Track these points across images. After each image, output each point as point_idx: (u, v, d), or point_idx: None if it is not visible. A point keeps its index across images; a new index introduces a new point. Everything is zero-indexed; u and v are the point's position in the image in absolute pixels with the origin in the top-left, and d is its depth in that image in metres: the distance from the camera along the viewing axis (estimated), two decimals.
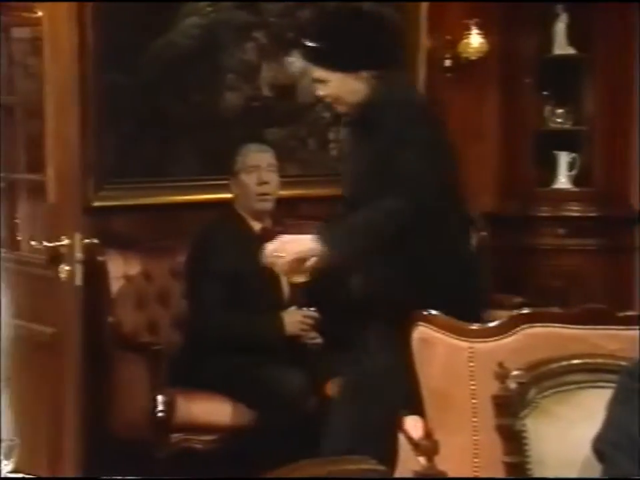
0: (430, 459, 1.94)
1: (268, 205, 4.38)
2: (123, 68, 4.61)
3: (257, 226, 4.37)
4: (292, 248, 3.17)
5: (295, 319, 4.24)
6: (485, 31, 5.44)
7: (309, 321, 4.26)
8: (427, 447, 1.93)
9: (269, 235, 4.31)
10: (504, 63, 5.62)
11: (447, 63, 5.52)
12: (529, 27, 5.59)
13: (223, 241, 4.27)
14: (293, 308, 4.29)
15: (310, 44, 3.35)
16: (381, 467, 1.75)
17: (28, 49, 4.31)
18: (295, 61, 3.33)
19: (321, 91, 3.36)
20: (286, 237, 3.25)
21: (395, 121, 3.17)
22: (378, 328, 3.26)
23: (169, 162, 4.82)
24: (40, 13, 3.69)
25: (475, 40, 5.45)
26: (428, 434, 2.06)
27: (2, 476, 2.22)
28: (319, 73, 3.32)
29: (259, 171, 4.37)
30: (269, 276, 4.27)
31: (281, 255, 3.18)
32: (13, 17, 3.99)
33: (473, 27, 5.42)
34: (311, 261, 3.15)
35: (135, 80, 4.65)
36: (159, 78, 4.70)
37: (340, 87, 3.30)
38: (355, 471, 1.69)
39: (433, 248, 3.18)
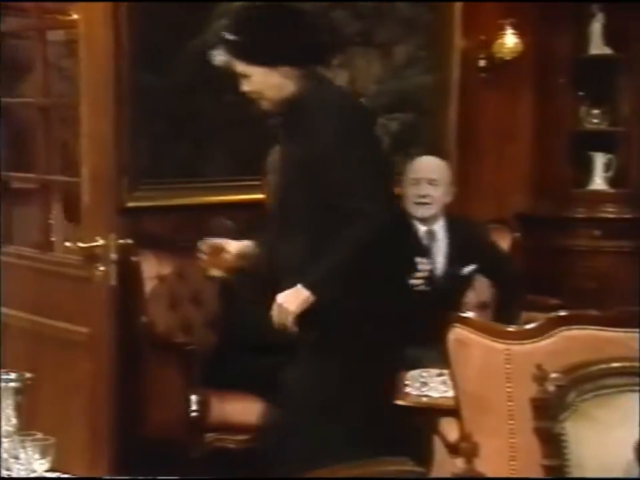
0: (469, 461, 1.93)
1: None
2: (157, 69, 4.63)
3: None
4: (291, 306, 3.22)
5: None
6: (520, 31, 5.43)
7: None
8: (467, 449, 1.92)
9: None
10: (539, 63, 5.60)
11: (481, 63, 5.51)
12: (564, 27, 5.56)
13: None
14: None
15: (230, 37, 3.30)
16: (420, 469, 1.74)
17: (62, 52, 4.35)
18: (219, 55, 3.27)
19: (245, 86, 3.31)
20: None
21: (329, 125, 3.11)
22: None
23: (203, 163, 4.84)
24: (75, 16, 3.71)
25: (510, 40, 5.43)
26: (467, 436, 2.04)
27: (38, 475, 2.22)
28: (240, 67, 3.29)
29: None
30: None
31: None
32: (48, 20, 4.02)
33: (508, 27, 5.41)
34: (231, 257, 3.16)
35: (168, 81, 4.67)
36: (192, 79, 4.72)
37: (262, 82, 3.27)
38: (393, 472, 1.68)
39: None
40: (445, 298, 4.06)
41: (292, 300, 3.19)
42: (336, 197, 3.02)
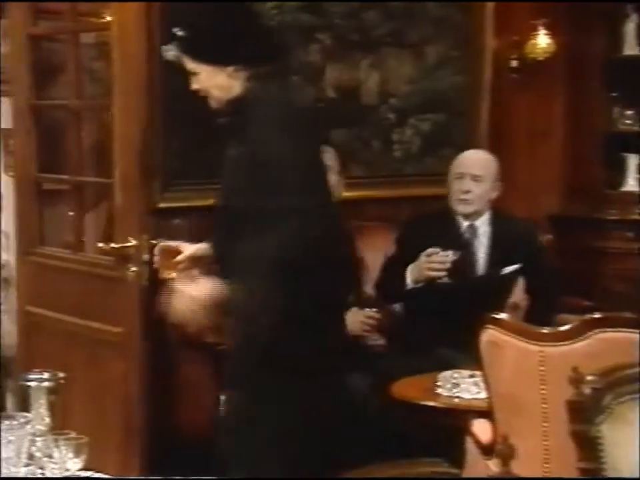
0: (506, 463, 1.92)
1: None
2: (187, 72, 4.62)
3: None
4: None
5: (357, 319, 4.23)
6: (552, 31, 5.41)
7: (372, 322, 4.25)
8: (503, 451, 1.91)
9: None
10: (571, 64, 5.58)
11: (514, 63, 5.50)
12: (598, 27, 5.54)
13: None
14: (355, 309, 4.27)
15: (180, 33, 3.24)
16: (454, 470, 1.74)
17: (94, 54, 4.37)
18: (170, 50, 3.23)
19: (193, 84, 3.26)
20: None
21: (264, 126, 3.06)
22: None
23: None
24: (109, 18, 3.73)
25: (542, 40, 5.42)
26: (504, 438, 2.03)
27: (71, 474, 2.23)
28: (189, 64, 3.23)
29: None
30: None
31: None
32: (82, 23, 4.04)
33: (540, 27, 5.39)
34: (183, 260, 3.15)
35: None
36: None
37: (209, 80, 3.21)
38: (428, 473, 1.68)
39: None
40: (484, 297, 4.03)
41: (198, 287, 3.08)
42: (272, 197, 2.98)
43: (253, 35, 3.26)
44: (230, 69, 3.17)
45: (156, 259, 3.31)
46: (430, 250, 4.16)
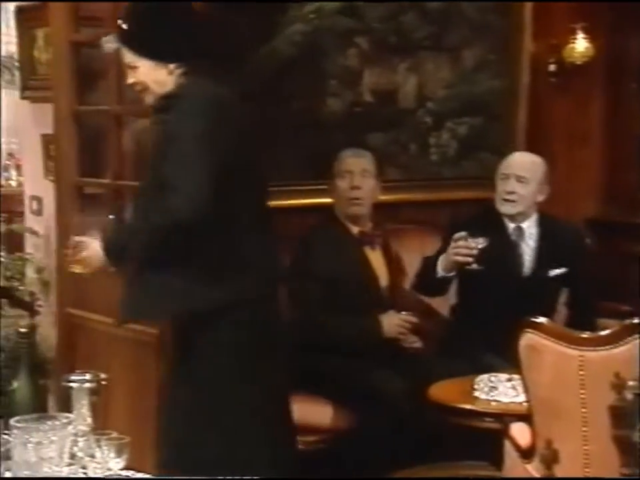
0: (549, 467, 1.92)
1: (360, 210, 4.37)
2: (227, 75, 4.66)
3: (355, 229, 4.39)
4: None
5: (394, 321, 4.24)
6: (591, 35, 5.38)
7: (408, 325, 4.26)
8: (547, 455, 1.91)
9: (367, 239, 4.35)
10: (610, 68, 5.55)
11: (552, 67, 5.47)
12: (637, 31, 5.49)
13: (323, 244, 4.32)
14: (391, 311, 4.29)
15: (123, 25, 3.24)
16: (499, 473, 1.74)
17: None
18: (110, 42, 3.21)
19: (130, 78, 3.25)
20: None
21: (175, 114, 3.09)
22: None
23: (272, 167, 4.86)
24: None
25: (581, 44, 5.39)
26: (547, 442, 2.04)
27: (113, 473, 2.26)
28: (129, 57, 3.22)
29: (352, 176, 4.36)
30: (367, 278, 4.30)
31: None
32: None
33: (579, 31, 5.36)
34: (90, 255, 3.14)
35: (240, 86, 4.70)
36: (262, 85, 4.76)
37: (147, 75, 3.21)
38: (473, 476, 1.68)
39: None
40: (530, 299, 4.04)
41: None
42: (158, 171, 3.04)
43: (196, 31, 3.29)
44: (172, 65, 3.19)
45: (65, 251, 3.26)
46: (457, 235, 4.15)
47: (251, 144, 3.32)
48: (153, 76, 3.22)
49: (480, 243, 4.12)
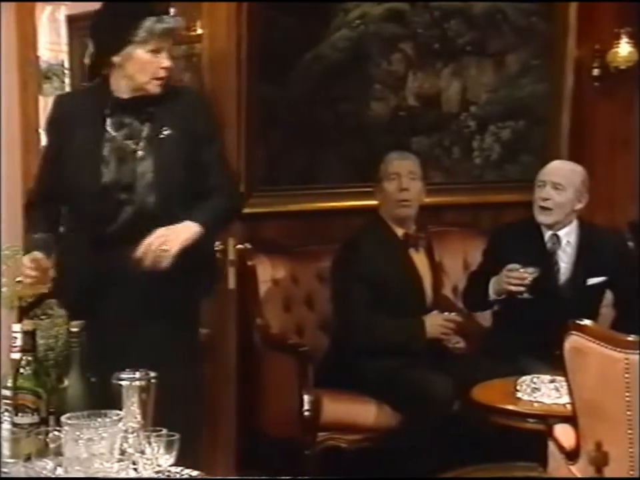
0: (599, 469, 1.93)
1: (408, 211, 4.40)
2: (275, 80, 4.73)
3: (400, 231, 4.41)
4: (176, 240, 3.08)
5: (437, 322, 4.27)
6: (635, 40, 5.37)
7: (451, 325, 4.28)
8: (597, 458, 1.92)
9: (412, 240, 4.37)
10: None
11: (596, 72, 5.46)
12: None
13: (369, 245, 4.34)
14: (435, 312, 4.31)
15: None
16: (547, 475, 1.76)
17: (182, 66, 4.45)
18: (171, 22, 3.24)
19: (167, 62, 3.18)
20: (163, 230, 3.09)
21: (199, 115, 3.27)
22: None
23: (317, 170, 4.93)
24: (200, 31, 3.82)
25: (624, 49, 5.38)
26: (597, 445, 2.04)
27: (163, 469, 2.29)
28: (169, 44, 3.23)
29: (400, 178, 4.38)
30: (411, 279, 4.33)
31: (165, 247, 3.07)
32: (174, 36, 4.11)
33: (623, 36, 5.35)
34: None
35: (286, 91, 4.77)
36: (309, 89, 4.83)
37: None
38: (522, 476, 1.71)
39: None
40: (567, 308, 4.01)
41: (179, 231, 3.09)
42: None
43: None
44: None
45: (27, 271, 3.16)
46: (510, 265, 4.19)
47: None
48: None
49: (532, 272, 4.17)
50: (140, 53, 3.13)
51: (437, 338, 4.27)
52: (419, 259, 4.42)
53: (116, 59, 3.17)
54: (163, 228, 3.06)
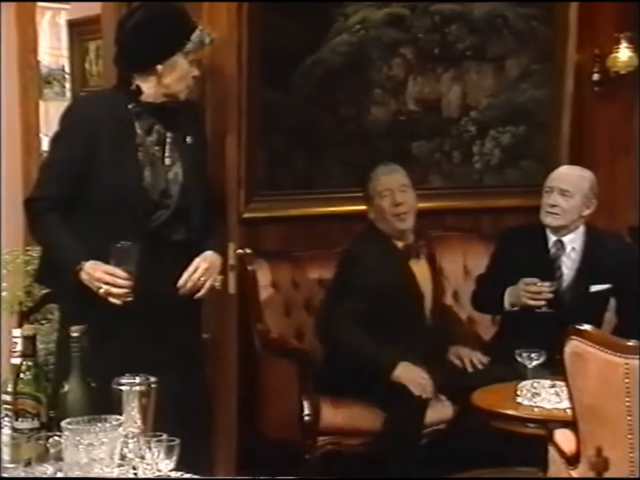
0: (599, 474, 1.93)
1: (406, 224, 4.31)
2: (276, 85, 4.74)
3: (399, 243, 4.36)
4: (214, 271, 3.31)
5: (410, 375, 4.07)
6: (635, 45, 5.38)
7: (424, 382, 4.08)
8: (597, 463, 1.92)
9: (412, 251, 4.34)
10: None
11: (596, 76, 5.48)
12: None
13: (369, 258, 4.27)
14: (407, 363, 4.09)
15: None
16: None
17: None
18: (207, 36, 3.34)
19: (197, 71, 3.31)
20: (202, 262, 3.27)
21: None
22: None
23: (318, 175, 4.94)
24: None
25: (624, 54, 5.39)
26: (598, 450, 2.04)
27: (163, 474, 2.29)
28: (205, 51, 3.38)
29: (392, 194, 4.29)
30: (411, 291, 4.30)
31: (205, 279, 3.28)
32: None
33: (623, 41, 5.36)
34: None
35: (286, 96, 4.78)
36: (309, 94, 4.84)
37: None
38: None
39: None
40: (567, 314, 4.00)
41: (215, 263, 3.32)
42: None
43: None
44: None
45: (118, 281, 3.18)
46: (528, 279, 4.19)
47: None
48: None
49: (549, 286, 4.18)
50: (183, 62, 3.25)
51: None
52: (420, 269, 4.37)
53: (159, 67, 3.25)
54: (199, 259, 3.26)
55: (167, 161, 3.26)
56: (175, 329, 3.26)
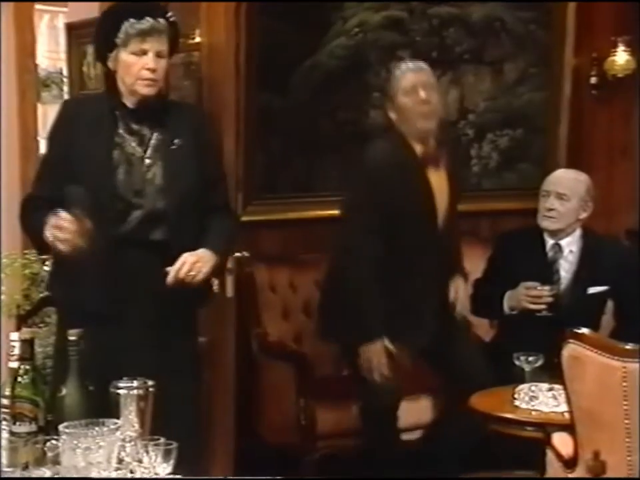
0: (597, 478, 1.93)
1: (431, 124, 4.01)
2: (273, 89, 4.75)
3: (418, 147, 4.03)
4: (203, 265, 3.18)
5: (375, 355, 3.92)
6: (632, 48, 5.39)
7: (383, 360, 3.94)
8: (595, 467, 1.92)
9: (430, 158, 4.02)
10: None
11: (593, 80, 5.49)
12: None
13: (390, 166, 4.00)
14: (382, 343, 3.91)
15: (172, 18, 3.25)
16: None
17: (181, 73, 4.46)
18: (159, 25, 3.14)
19: (153, 64, 3.18)
20: (189, 257, 3.16)
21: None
22: None
23: (316, 178, 4.94)
24: (198, 39, 3.83)
25: (622, 57, 5.40)
26: (595, 454, 2.05)
27: (160, 477, 2.29)
28: (163, 45, 3.20)
29: (417, 91, 3.99)
30: (425, 202, 4.03)
31: (194, 274, 3.16)
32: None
33: (620, 44, 5.37)
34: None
35: (284, 99, 4.79)
36: (307, 97, 4.85)
37: (164, 69, 3.24)
38: None
39: None
40: (565, 317, 4.00)
41: (205, 259, 3.19)
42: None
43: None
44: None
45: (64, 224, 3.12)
46: (529, 283, 4.19)
47: None
48: (165, 71, 3.27)
49: (550, 290, 4.19)
50: (124, 55, 3.18)
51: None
52: (437, 179, 4.06)
53: (110, 64, 3.23)
54: (187, 254, 3.15)
55: (147, 162, 3.21)
56: (164, 331, 3.21)
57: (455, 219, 4.21)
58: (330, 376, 4.52)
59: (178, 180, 3.21)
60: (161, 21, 3.19)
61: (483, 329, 4.77)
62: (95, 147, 3.19)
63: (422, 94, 4.00)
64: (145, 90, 3.19)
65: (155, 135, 3.23)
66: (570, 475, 2.78)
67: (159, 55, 3.18)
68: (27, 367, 2.43)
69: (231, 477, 3.54)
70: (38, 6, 5.60)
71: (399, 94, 4.03)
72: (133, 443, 2.34)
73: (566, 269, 4.35)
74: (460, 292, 4.19)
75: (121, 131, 3.22)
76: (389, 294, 3.94)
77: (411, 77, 4.05)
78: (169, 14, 3.26)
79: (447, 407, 4.23)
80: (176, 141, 3.23)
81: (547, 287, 4.19)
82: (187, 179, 3.23)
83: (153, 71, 3.17)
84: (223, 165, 3.43)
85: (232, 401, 3.84)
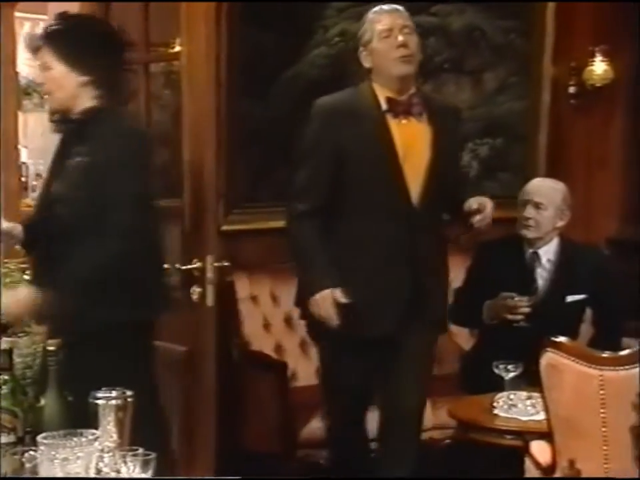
0: None
1: (409, 68, 3.71)
2: (254, 98, 4.75)
3: (391, 96, 3.70)
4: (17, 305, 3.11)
5: (325, 301, 3.65)
6: (610, 58, 5.42)
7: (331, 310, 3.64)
8: (570, 475, 1.94)
9: (401, 109, 3.70)
10: (630, 90, 5.57)
11: (572, 89, 5.52)
12: None
13: (334, 109, 3.78)
14: (332, 291, 3.62)
15: (55, 27, 3.27)
16: None
17: (161, 82, 4.47)
18: (35, 39, 3.23)
19: (41, 77, 3.28)
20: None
21: (111, 146, 3.14)
22: None
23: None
24: (178, 48, 3.83)
25: (599, 67, 5.44)
26: (570, 462, 2.07)
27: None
28: (48, 56, 3.22)
29: (394, 34, 3.69)
30: (382, 160, 3.68)
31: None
32: (152, 53, 4.13)
33: (597, 54, 5.40)
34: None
35: (266, 108, 4.79)
36: (289, 106, 4.84)
37: (58, 80, 3.22)
38: None
39: None
40: (543, 326, 3.96)
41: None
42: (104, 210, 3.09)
43: (114, 57, 3.32)
44: (82, 78, 3.23)
45: None
46: (506, 294, 4.21)
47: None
48: (63, 83, 3.24)
49: (527, 300, 4.21)
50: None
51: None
52: (409, 129, 3.71)
53: None
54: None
55: (57, 174, 3.26)
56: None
57: (449, 179, 3.87)
58: (311, 386, 4.51)
59: (70, 196, 3.19)
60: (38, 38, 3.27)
61: (463, 337, 4.79)
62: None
63: (399, 37, 3.69)
64: (60, 106, 3.28)
65: (74, 149, 3.24)
66: None
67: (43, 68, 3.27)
68: (6, 377, 2.42)
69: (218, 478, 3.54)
70: (18, 14, 5.58)
71: (375, 39, 3.72)
72: (111, 454, 2.33)
73: (544, 277, 4.37)
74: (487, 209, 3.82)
75: (57, 144, 3.36)
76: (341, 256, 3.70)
77: (387, 19, 3.73)
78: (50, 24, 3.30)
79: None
80: (78, 157, 3.23)
81: (525, 298, 4.21)
82: (79, 196, 3.18)
83: (40, 85, 3.42)
84: (129, 184, 3.20)
85: (213, 410, 3.83)
